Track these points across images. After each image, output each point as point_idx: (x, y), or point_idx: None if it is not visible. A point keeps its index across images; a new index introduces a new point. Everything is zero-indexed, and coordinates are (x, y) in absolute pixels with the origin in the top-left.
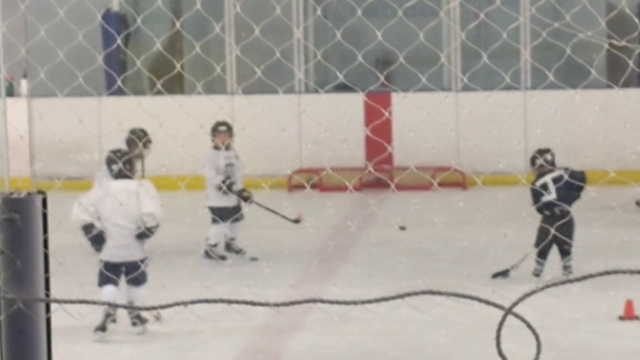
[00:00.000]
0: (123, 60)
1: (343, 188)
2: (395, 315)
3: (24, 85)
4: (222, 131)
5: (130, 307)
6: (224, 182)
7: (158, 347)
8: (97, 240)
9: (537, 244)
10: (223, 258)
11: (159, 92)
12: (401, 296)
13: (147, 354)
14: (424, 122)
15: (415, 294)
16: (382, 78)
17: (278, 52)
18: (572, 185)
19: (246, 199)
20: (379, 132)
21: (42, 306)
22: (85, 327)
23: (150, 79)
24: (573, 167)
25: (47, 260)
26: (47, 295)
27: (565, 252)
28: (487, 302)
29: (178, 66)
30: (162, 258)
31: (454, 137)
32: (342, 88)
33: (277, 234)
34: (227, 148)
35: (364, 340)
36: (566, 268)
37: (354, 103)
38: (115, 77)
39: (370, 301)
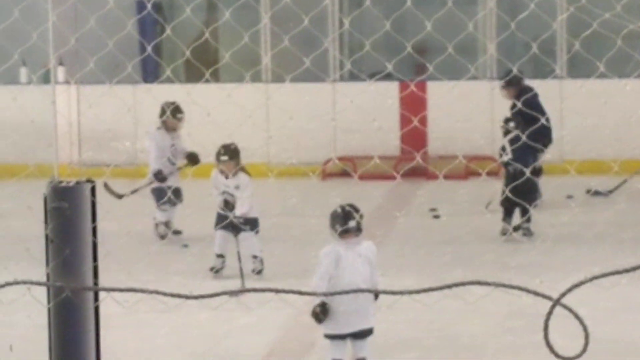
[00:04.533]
0: (159, 48)
1: (377, 176)
2: (429, 304)
3: (60, 73)
4: (179, 118)
5: (186, 297)
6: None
7: (193, 335)
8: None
9: (501, 203)
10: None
11: (196, 80)
12: (448, 286)
13: (182, 341)
14: (459, 110)
15: (463, 284)
16: (429, 66)
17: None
18: (530, 146)
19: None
20: (412, 120)
21: (91, 294)
22: (118, 314)
23: (186, 66)
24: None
25: (96, 248)
26: (96, 283)
27: (523, 213)
28: (536, 293)
29: (227, 56)
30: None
31: (490, 126)
32: (377, 76)
33: (312, 222)
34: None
35: (398, 329)
36: (521, 229)
37: (389, 91)
38: (161, 65)
39: (417, 291)
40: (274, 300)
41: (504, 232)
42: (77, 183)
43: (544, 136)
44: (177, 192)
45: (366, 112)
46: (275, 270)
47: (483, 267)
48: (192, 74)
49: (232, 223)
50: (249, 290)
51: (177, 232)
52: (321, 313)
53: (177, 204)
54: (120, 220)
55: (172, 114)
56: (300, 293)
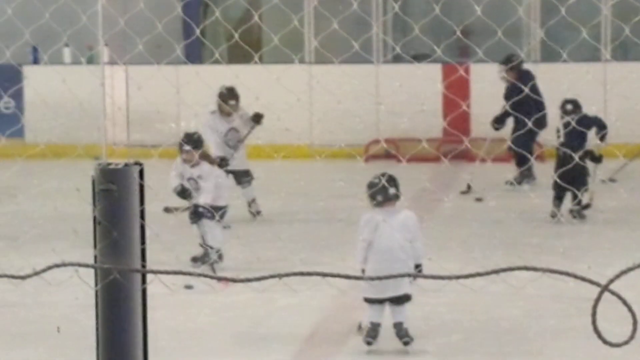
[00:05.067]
0: (202, 29)
1: (420, 158)
2: (475, 288)
3: (105, 54)
4: (231, 105)
5: (218, 277)
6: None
7: (234, 315)
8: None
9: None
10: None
11: (238, 61)
12: (496, 271)
13: (223, 321)
14: (502, 93)
15: (510, 269)
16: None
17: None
18: (579, 132)
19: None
20: (456, 103)
21: (138, 277)
22: (160, 294)
23: (228, 47)
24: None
25: (144, 231)
26: (143, 266)
27: (574, 196)
28: (583, 279)
29: (275, 39)
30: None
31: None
32: (421, 58)
33: (359, 204)
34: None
35: (440, 312)
36: (571, 211)
37: (432, 74)
38: (204, 46)
39: (465, 276)
40: (316, 282)
41: (553, 215)
42: (126, 165)
43: (539, 120)
44: (245, 174)
45: (409, 94)
46: (321, 252)
47: (526, 250)
48: (235, 55)
49: (194, 211)
50: (295, 274)
51: (256, 213)
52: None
53: (246, 185)
54: (166, 203)
55: (226, 100)
56: (347, 277)
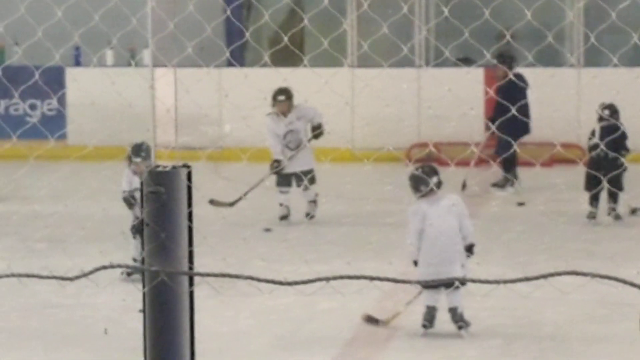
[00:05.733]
0: (243, 31)
1: (462, 162)
2: (513, 291)
3: (146, 56)
4: (280, 100)
5: (267, 281)
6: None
7: (275, 318)
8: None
9: (585, 187)
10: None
11: (280, 64)
12: (544, 276)
13: (265, 324)
14: (545, 97)
15: (559, 274)
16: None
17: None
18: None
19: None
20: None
21: (186, 279)
22: (201, 297)
23: (270, 50)
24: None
25: (191, 233)
26: (191, 268)
27: (611, 197)
28: (633, 284)
29: (325, 43)
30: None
31: (574, 113)
32: (462, 62)
33: (404, 208)
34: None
35: (482, 317)
36: (611, 213)
37: (474, 77)
38: (246, 48)
39: (513, 281)
40: (361, 285)
41: (591, 217)
42: (174, 167)
43: (524, 126)
44: (307, 174)
45: (452, 98)
46: (367, 255)
47: (569, 254)
48: (277, 59)
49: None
50: (342, 277)
51: (309, 216)
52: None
53: (306, 187)
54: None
55: (277, 98)
56: (395, 280)
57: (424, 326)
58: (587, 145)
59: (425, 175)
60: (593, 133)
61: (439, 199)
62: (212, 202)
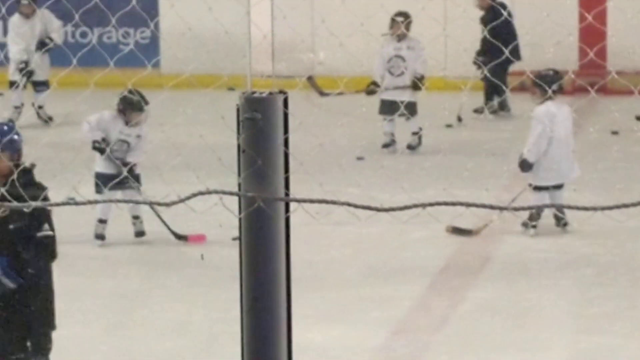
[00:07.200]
0: None
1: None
2: (609, 219)
3: None
4: (397, 22)
5: (365, 207)
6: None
7: (367, 247)
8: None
9: None
10: None
11: None
12: None
13: (357, 253)
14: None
15: None
16: None
17: None
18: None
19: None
20: (593, 34)
21: (282, 205)
22: (294, 225)
23: None
24: None
25: (287, 160)
26: (287, 194)
27: None
28: None
29: None
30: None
31: None
32: None
33: (502, 136)
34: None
35: (576, 245)
36: None
37: (568, 4)
38: None
39: (610, 207)
40: (455, 213)
41: None
42: (270, 94)
43: (513, 51)
44: (407, 106)
45: (544, 26)
46: (465, 182)
47: None
48: None
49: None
50: (439, 204)
51: (410, 147)
52: (526, 165)
53: (407, 117)
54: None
55: (394, 19)
56: (491, 207)
57: (533, 226)
58: None
59: (556, 75)
60: None
61: (562, 102)
62: (310, 79)
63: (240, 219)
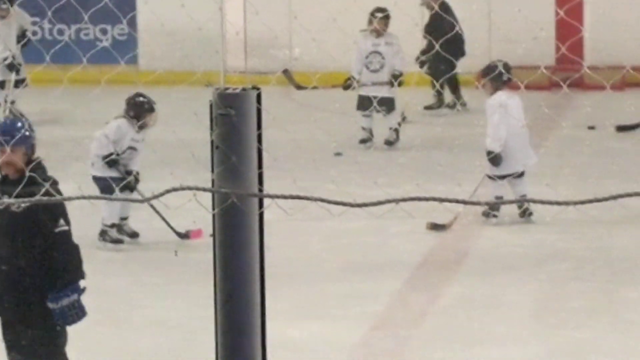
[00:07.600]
0: None
1: (532, 87)
2: (583, 214)
3: None
4: (376, 17)
5: (337, 202)
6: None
7: (346, 243)
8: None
9: None
10: None
11: None
12: (614, 197)
13: (335, 249)
14: (618, 18)
15: (629, 195)
16: None
17: None
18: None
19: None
20: (570, 30)
21: (255, 201)
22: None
23: None
24: None
25: (261, 155)
26: (261, 190)
27: None
28: None
29: None
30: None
31: None
32: None
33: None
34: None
35: (551, 240)
36: None
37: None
38: None
39: (583, 202)
40: (430, 209)
41: None
42: (243, 89)
43: (458, 48)
44: (384, 102)
45: (522, 21)
46: (437, 178)
47: (639, 178)
48: None
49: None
50: (412, 199)
51: (387, 142)
52: (497, 158)
53: (384, 113)
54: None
55: (373, 14)
56: (464, 202)
57: (494, 216)
58: None
59: (505, 67)
60: None
61: (512, 93)
62: (286, 72)
63: (213, 215)
